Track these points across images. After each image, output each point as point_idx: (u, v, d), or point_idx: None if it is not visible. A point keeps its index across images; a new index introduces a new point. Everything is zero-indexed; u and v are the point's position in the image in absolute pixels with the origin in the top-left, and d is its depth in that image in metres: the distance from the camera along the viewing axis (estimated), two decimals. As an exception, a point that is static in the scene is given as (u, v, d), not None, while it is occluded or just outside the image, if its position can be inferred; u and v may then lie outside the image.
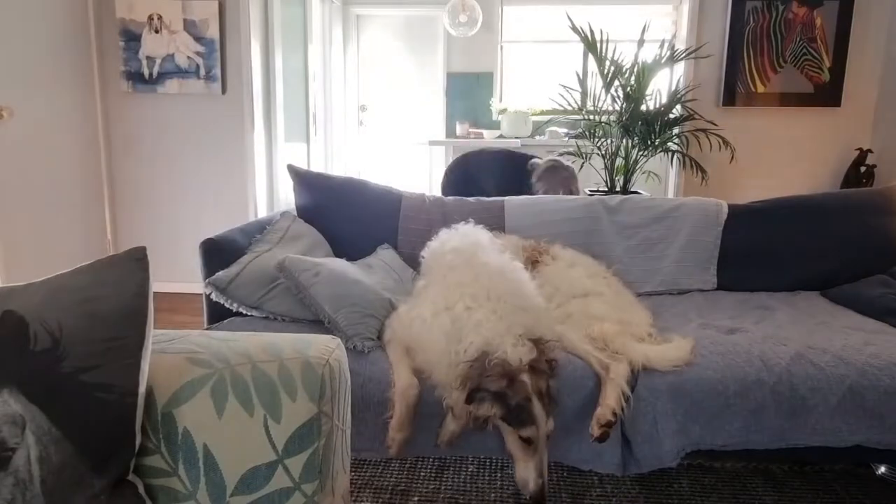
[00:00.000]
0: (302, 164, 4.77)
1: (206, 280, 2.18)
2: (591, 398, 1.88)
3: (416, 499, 2.08)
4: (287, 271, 2.13)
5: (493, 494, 2.11)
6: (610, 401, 1.80)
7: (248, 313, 2.17)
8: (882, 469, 2.20)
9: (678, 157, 4.37)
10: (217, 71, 4.19)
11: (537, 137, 5.65)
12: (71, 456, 0.94)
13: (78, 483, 0.94)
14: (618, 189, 4.23)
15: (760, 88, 4.86)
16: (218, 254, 2.29)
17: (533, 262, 2.39)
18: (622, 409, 1.82)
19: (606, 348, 1.97)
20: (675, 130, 4.35)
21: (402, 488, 2.14)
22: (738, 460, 2.27)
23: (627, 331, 2.05)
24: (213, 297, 2.15)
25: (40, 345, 0.96)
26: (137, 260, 1.07)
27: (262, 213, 4.42)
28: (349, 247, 2.66)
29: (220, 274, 2.18)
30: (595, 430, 1.77)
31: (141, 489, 1.02)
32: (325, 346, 1.15)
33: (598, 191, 4.34)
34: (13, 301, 1.00)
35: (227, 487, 1.04)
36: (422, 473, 2.22)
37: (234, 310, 2.18)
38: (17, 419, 0.92)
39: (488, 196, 2.93)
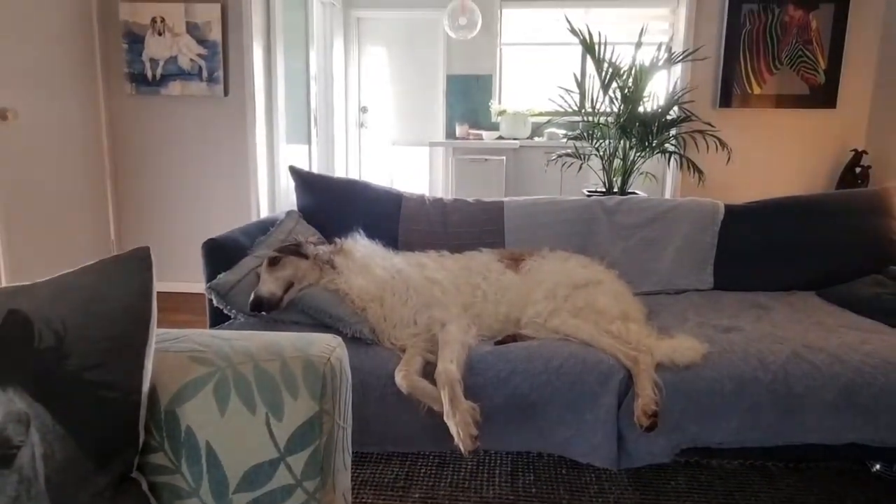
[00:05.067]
0: (303, 166, 4.78)
1: (208, 284, 2.19)
2: (589, 391, 1.90)
3: (416, 495, 2.09)
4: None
5: (491, 491, 2.12)
6: (648, 391, 1.84)
7: (245, 320, 2.17)
8: (877, 466, 2.21)
9: (675, 159, 4.39)
10: (219, 73, 4.20)
11: (536, 139, 5.67)
12: (75, 453, 0.94)
13: (82, 480, 0.94)
14: (615, 190, 4.25)
15: (757, 90, 4.87)
16: (220, 254, 2.30)
17: (517, 261, 2.42)
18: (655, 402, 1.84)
19: (630, 342, 2.00)
20: (673, 132, 4.37)
21: (401, 485, 2.15)
22: (735, 458, 2.27)
23: (645, 330, 2.10)
24: (215, 301, 2.16)
25: (45, 343, 0.96)
26: (141, 260, 1.07)
27: (264, 213, 4.43)
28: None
29: (221, 278, 2.18)
30: (644, 421, 1.80)
31: (144, 486, 1.02)
32: (326, 345, 1.16)
33: (596, 192, 4.35)
34: (18, 300, 1.00)
35: (229, 485, 1.04)
36: (422, 470, 2.23)
37: (233, 316, 2.18)
38: (22, 417, 0.92)
39: None
